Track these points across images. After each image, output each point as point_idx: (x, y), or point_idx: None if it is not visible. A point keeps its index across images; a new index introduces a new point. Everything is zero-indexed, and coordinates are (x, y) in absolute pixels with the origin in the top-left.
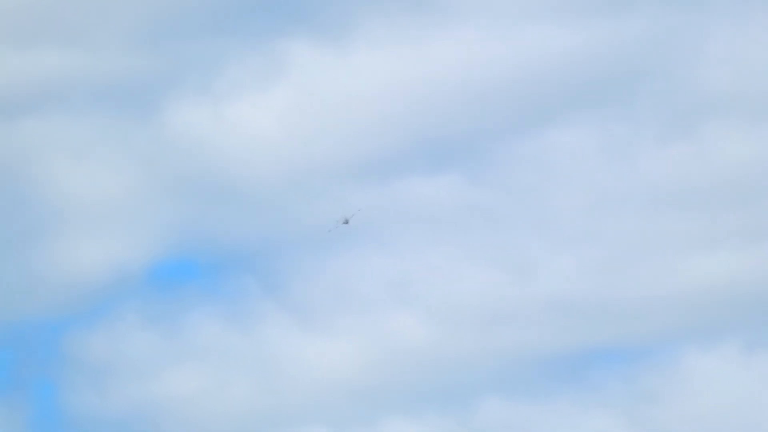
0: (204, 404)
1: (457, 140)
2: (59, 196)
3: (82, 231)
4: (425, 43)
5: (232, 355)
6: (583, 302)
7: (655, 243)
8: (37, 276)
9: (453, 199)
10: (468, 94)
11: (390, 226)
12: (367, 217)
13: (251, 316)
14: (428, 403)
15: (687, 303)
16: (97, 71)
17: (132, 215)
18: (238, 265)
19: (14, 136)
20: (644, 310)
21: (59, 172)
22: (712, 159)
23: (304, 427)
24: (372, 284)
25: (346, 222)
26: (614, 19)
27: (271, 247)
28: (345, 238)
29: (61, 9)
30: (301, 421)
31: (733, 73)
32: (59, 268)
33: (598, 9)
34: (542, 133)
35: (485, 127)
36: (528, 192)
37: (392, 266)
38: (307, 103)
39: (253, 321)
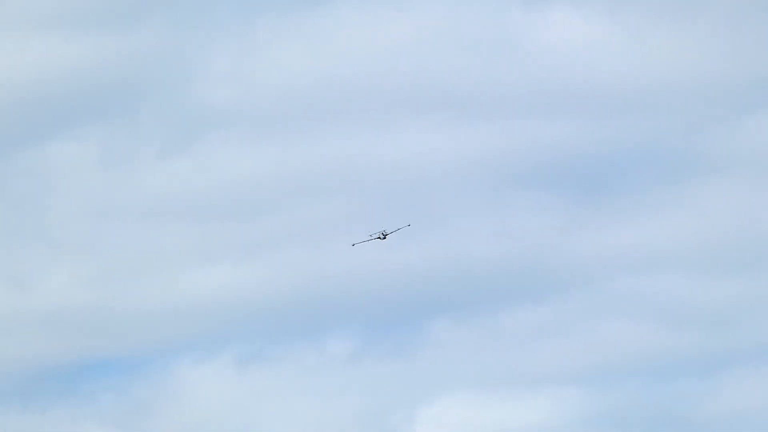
0: None
1: None
2: None
3: None
4: None
5: None
6: (77, 314)
7: (151, 256)
8: None
9: None
10: None
11: None
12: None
13: None
14: None
15: (181, 316)
16: None
17: None
18: None
19: None
20: (138, 322)
21: None
22: (211, 173)
23: None
24: None
25: (383, 236)
26: (118, 32)
27: None
28: None
29: None
30: None
31: (235, 89)
32: None
33: (102, 21)
34: (41, 144)
35: None
36: (25, 203)
37: None
38: None
39: None
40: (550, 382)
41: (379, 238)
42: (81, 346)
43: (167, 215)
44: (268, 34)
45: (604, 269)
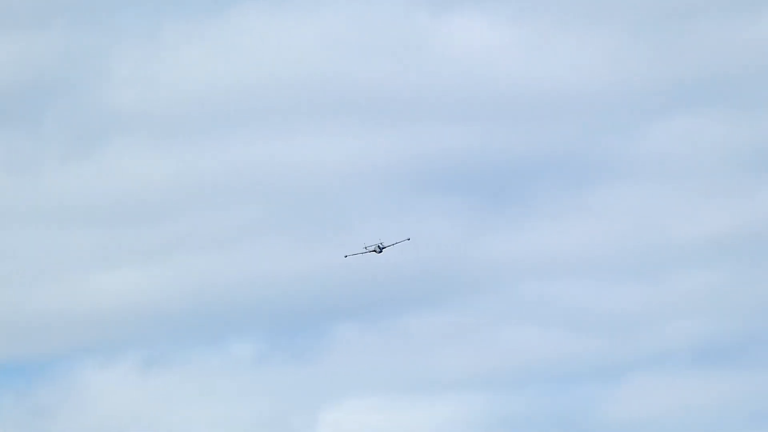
0: None
1: None
2: None
3: None
4: None
5: None
6: None
7: (55, 260)
8: None
9: None
10: None
11: None
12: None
13: None
14: None
15: (84, 320)
16: None
17: None
18: None
19: None
20: (41, 326)
21: None
22: (115, 178)
23: None
24: None
25: (379, 250)
26: (22, 34)
27: None
28: None
29: None
30: None
31: (138, 92)
32: None
33: (5, 23)
34: None
35: None
36: None
37: None
38: None
39: None
40: (454, 386)
41: (374, 251)
42: None
43: (71, 219)
44: (173, 38)
45: (509, 274)
